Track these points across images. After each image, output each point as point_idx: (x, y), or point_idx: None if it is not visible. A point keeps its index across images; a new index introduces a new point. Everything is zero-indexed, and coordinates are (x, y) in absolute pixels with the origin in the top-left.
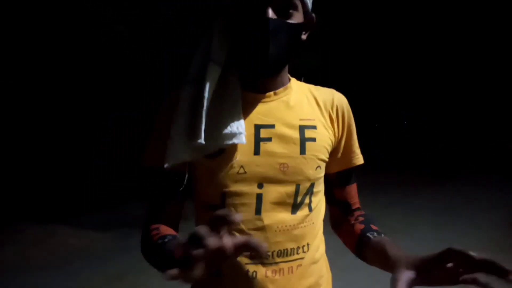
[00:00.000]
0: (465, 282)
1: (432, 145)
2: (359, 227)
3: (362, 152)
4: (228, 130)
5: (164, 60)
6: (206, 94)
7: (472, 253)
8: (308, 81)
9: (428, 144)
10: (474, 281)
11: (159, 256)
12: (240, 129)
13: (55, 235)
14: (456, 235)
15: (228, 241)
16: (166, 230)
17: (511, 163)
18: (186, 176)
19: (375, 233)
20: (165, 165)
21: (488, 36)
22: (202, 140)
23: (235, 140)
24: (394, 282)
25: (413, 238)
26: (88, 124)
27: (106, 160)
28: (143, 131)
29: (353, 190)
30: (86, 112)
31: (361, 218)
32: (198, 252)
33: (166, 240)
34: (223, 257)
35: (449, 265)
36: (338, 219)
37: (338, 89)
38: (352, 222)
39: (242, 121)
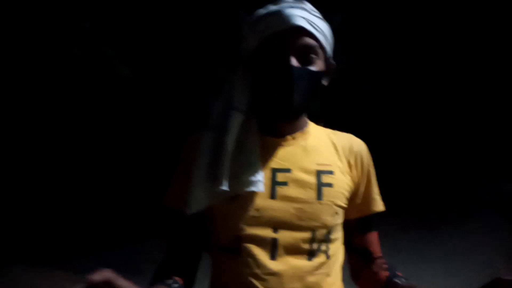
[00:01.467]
0: None
1: (432, 188)
2: (384, 274)
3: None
4: (247, 177)
5: (180, 99)
6: (229, 141)
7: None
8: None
9: (427, 188)
10: None
11: None
12: (258, 177)
13: (50, 279)
14: (463, 282)
15: None
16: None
17: (510, 204)
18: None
19: (402, 279)
20: (188, 211)
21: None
22: (225, 187)
23: (253, 188)
24: None
25: None
26: (84, 165)
27: (103, 201)
28: (146, 171)
29: (374, 237)
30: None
31: (385, 266)
32: None
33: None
34: None
35: None
36: (358, 268)
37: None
38: (376, 270)
39: (261, 170)
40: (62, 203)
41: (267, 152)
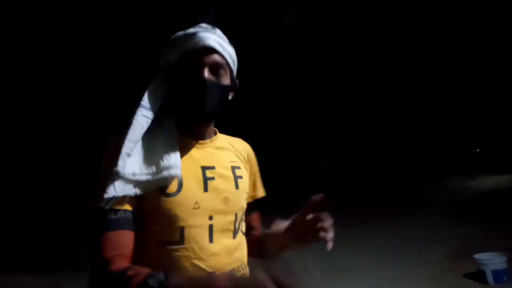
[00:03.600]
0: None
1: (373, 181)
2: (257, 234)
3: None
4: (165, 164)
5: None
6: (138, 135)
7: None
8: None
9: (369, 181)
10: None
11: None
12: (176, 163)
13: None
14: (400, 272)
15: None
16: (121, 263)
17: (450, 198)
18: (130, 211)
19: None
20: (105, 197)
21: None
22: (140, 175)
23: (171, 172)
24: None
25: (362, 277)
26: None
27: (35, 202)
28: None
29: (257, 216)
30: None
31: (258, 232)
32: None
33: (127, 271)
34: None
35: (310, 217)
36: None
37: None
38: (252, 234)
39: (177, 156)
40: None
41: (191, 152)
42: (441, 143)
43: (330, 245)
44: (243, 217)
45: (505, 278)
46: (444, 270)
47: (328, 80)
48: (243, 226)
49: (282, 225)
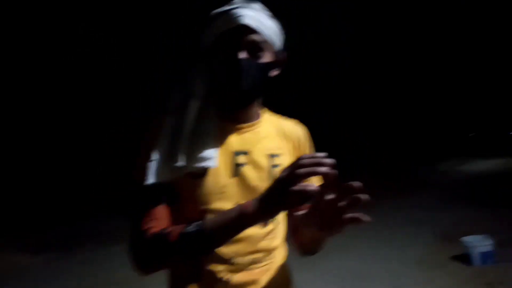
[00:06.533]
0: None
1: (368, 165)
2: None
3: None
4: (202, 155)
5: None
6: (187, 124)
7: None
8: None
9: (364, 164)
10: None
11: (198, 240)
12: (213, 154)
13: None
14: (392, 253)
15: None
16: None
17: (442, 181)
18: (171, 190)
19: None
20: (146, 183)
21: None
22: (181, 163)
23: (207, 163)
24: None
25: (351, 259)
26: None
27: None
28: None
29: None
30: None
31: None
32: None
33: (191, 226)
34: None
35: (330, 197)
36: (292, 231)
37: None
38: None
39: (215, 148)
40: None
41: (228, 137)
42: (434, 128)
43: (363, 218)
44: None
45: (490, 260)
46: (432, 252)
47: (318, 66)
48: (279, 217)
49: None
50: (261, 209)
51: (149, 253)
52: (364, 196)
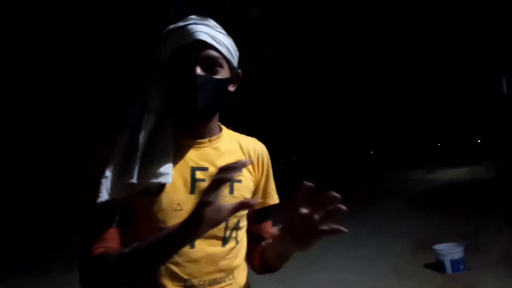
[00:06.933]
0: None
1: (336, 176)
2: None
3: None
4: (156, 170)
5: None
6: (141, 139)
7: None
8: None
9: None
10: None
11: (141, 255)
12: (167, 170)
13: None
14: (364, 265)
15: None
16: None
17: (412, 190)
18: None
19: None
20: (98, 201)
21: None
22: (134, 180)
23: (161, 179)
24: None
25: (326, 270)
26: None
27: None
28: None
29: (268, 226)
30: None
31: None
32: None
33: (133, 246)
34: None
35: (304, 211)
36: (250, 249)
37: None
38: (260, 246)
39: (170, 164)
40: None
41: (186, 152)
42: (403, 138)
43: (342, 229)
44: (241, 225)
45: (462, 266)
46: (406, 261)
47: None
48: (240, 235)
49: (274, 230)
50: (186, 229)
51: (91, 273)
52: (343, 207)
